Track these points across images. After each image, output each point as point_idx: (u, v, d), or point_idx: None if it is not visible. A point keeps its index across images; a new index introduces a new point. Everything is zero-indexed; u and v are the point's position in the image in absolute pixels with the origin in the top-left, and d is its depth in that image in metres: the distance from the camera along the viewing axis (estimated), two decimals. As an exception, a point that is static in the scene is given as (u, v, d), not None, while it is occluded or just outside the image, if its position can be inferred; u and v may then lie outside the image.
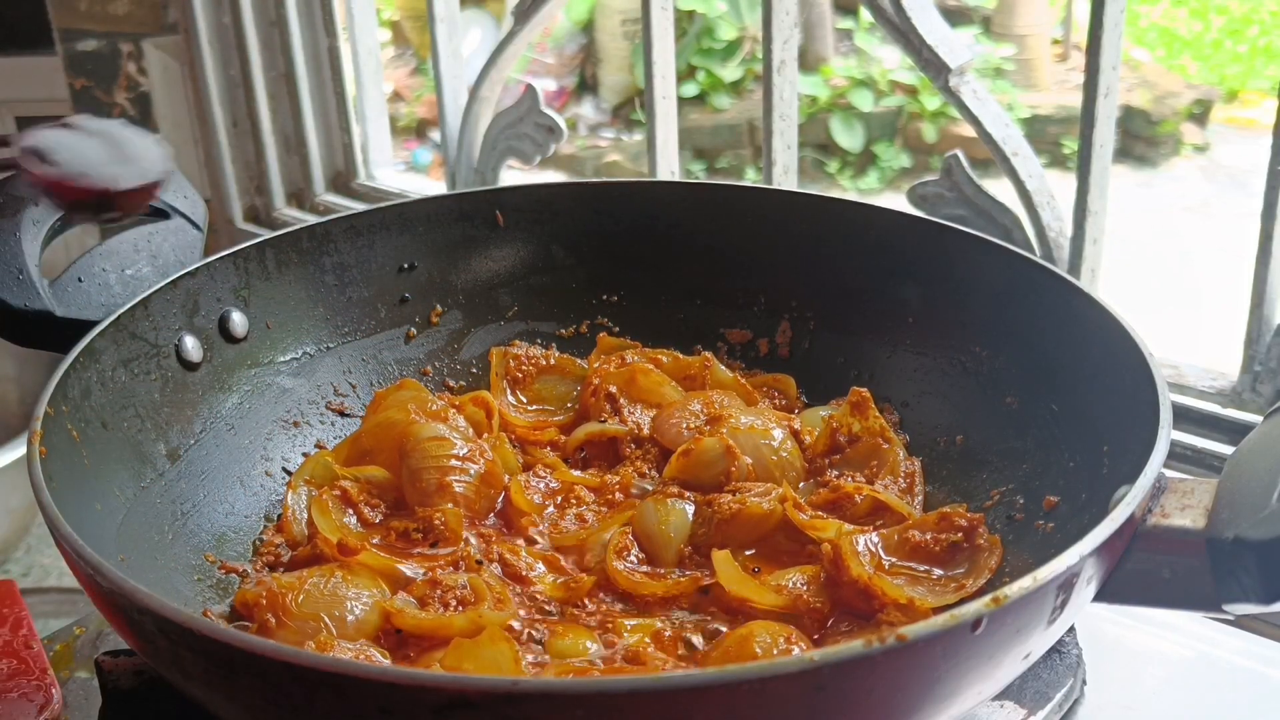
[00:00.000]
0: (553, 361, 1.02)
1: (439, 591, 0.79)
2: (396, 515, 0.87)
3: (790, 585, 0.79)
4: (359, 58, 1.70)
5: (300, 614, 0.76)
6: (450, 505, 0.86)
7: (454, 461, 0.88)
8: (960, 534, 0.80)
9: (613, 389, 0.97)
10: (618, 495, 0.90)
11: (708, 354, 1.01)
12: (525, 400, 1.01)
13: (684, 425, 0.93)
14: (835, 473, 0.90)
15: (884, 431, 0.91)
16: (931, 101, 4.34)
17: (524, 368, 1.01)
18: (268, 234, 0.99)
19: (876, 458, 0.90)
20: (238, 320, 0.95)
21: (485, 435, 0.93)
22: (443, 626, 0.75)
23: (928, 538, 0.80)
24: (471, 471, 0.88)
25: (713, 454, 0.89)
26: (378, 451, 0.91)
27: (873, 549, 0.79)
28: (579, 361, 1.03)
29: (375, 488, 0.89)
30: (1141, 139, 4.38)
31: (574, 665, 0.74)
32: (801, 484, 0.90)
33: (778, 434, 0.91)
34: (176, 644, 0.58)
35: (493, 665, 0.69)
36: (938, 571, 0.79)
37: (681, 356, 1.02)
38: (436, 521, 0.84)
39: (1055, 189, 1.13)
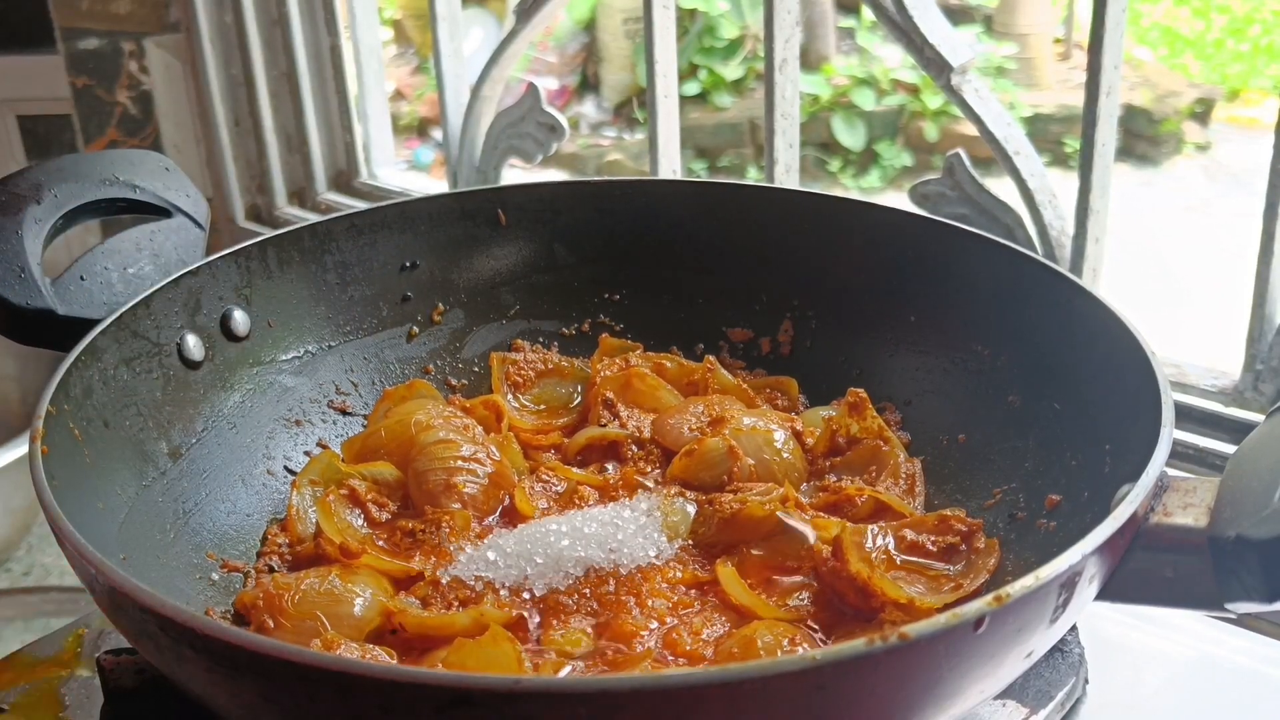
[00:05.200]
0: (551, 365, 1.02)
1: (440, 592, 0.79)
2: (404, 515, 0.87)
3: (794, 603, 0.79)
4: (361, 56, 1.70)
5: (297, 614, 0.76)
6: (457, 506, 0.86)
7: (460, 462, 0.88)
8: (959, 538, 0.80)
9: (609, 394, 0.97)
10: (621, 494, 0.90)
11: (710, 358, 1.00)
12: (528, 404, 1.01)
13: (685, 427, 0.93)
14: (834, 477, 0.90)
15: (882, 432, 0.91)
16: (933, 100, 4.34)
17: (523, 372, 1.01)
18: (269, 232, 0.99)
19: (876, 461, 0.90)
20: (239, 319, 0.95)
21: (492, 435, 0.93)
22: (446, 625, 0.75)
23: (924, 539, 0.80)
24: (480, 473, 0.88)
25: (716, 454, 0.89)
26: (390, 452, 0.91)
27: (879, 544, 0.79)
28: (578, 364, 1.03)
29: (384, 487, 0.89)
30: (1143, 138, 4.38)
31: (575, 654, 0.74)
32: (803, 485, 0.90)
33: (780, 435, 0.91)
34: (179, 643, 0.58)
35: (495, 664, 0.69)
36: (937, 566, 0.79)
37: (685, 361, 1.02)
38: (444, 523, 0.84)
39: (1057, 188, 1.13)
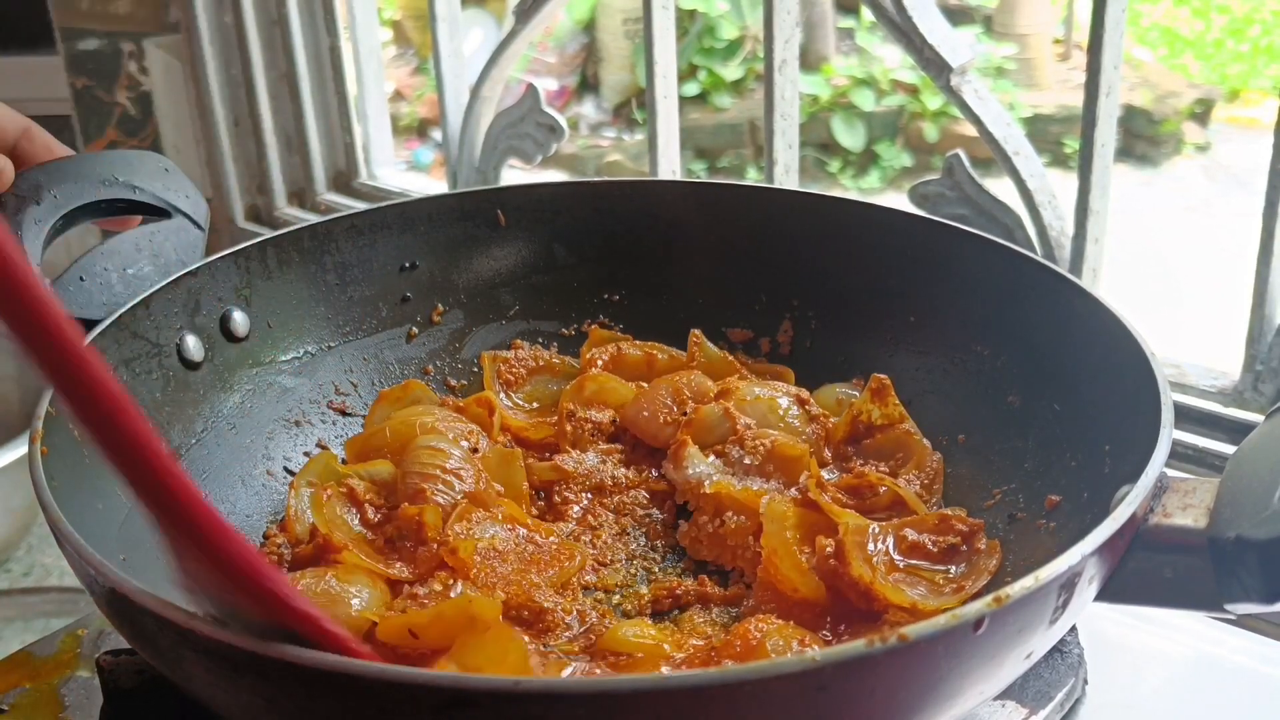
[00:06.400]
0: (542, 363, 1.02)
1: (420, 603, 0.78)
2: (394, 516, 0.87)
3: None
4: (360, 57, 1.70)
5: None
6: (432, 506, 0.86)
7: (440, 472, 0.87)
8: (959, 538, 0.80)
9: (570, 407, 0.97)
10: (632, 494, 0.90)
11: (696, 332, 1.01)
12: (520, 401, 1.01)
13: (660, 418, 0.94)
14: (860, 461, 0.90)
15: (904, 419, 0.91)
16: (933, 101, 4.33)
17: (514, 370, 1.02)
18: (269, 233, 0.99)
19: (903, 449, 0.91)
20: (239, 319, 0.95)
21: (496, 446, 0.93)
22: (436, 619, 0.73)
23: (925, 539, 0.80)
24: (456, 487, 0.86)
25: (712, 418, 0.90)
26: (393, 451, 0.91)
27: (880, 546, 0.79)
28: (569, 360, 1.03)
29: (381, 486, 0.89)
30: (1143, 138, 4.38)
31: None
32: (827, 467, 0.91)
33: (784, 401, 0.92)
34: (178, 644, 0.58)
35: (501, 660, 0.68)
36: (938, 569, 0.79)
37: (676, 352, 1.02)
38: (416, 520, 0.84)
39: (1057, 188, 1.13)
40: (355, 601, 0.77)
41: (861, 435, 0.92)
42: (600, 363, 1.00)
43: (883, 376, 0.92)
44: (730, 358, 1.00)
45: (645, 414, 0.95)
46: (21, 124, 0.91)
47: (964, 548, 0.79)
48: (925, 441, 0.91)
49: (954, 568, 0.79)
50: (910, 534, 0.80)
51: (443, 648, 0.71)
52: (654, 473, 0.93)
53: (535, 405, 1.01)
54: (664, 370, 1.00)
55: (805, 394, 0.94)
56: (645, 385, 0.98)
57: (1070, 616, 0.62)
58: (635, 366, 1.01)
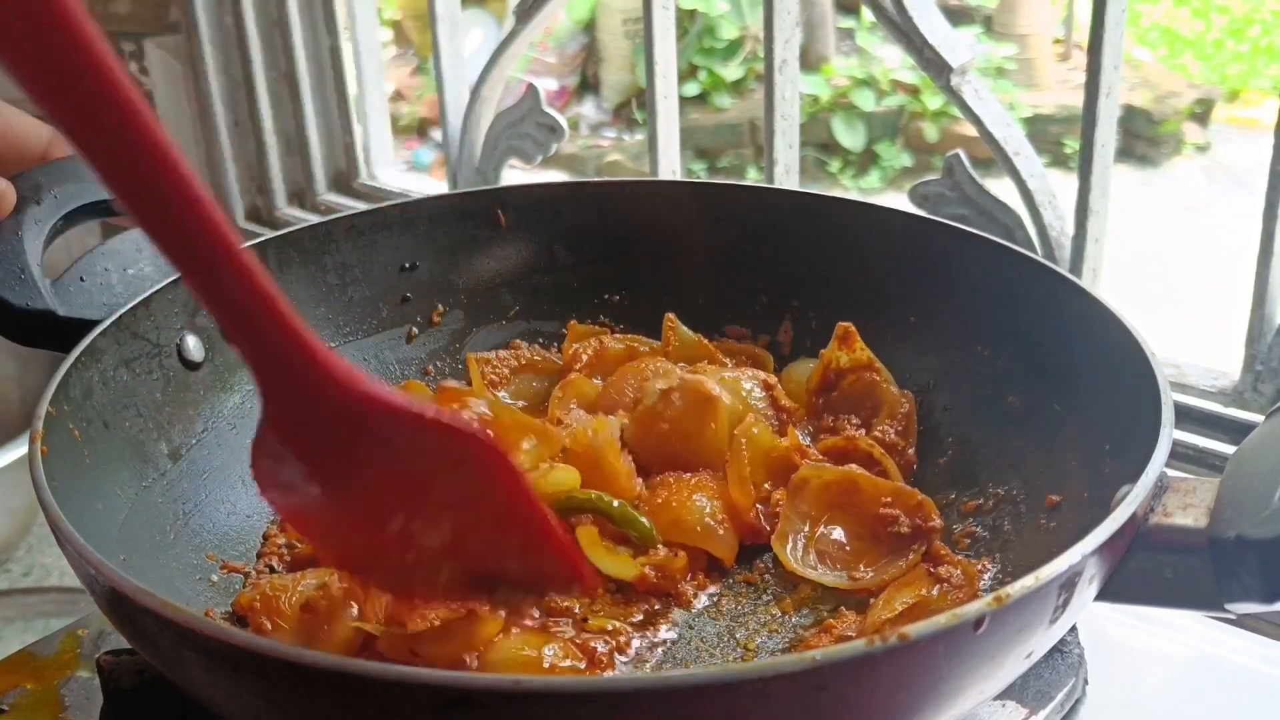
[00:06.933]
0: (524, 361, 1.02)
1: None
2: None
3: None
4: (360, 57, 1.70)
5: (294, 615, 0.76)
6: None
7: None
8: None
9: (559, 414, 0.97)
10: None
11: (671, 316, 1.00)
12: (509, 400, 1.01)
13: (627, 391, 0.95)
14: (831, 417, 0.92)
15: (871, 363, 0.93)
16: (933, 101, 4.34)
17: (498, 370, 1.01)
18: (269, 234, 0.99)
19: (871, 397, 0.92)
20: (239, 320, 0.95)
21: None
22: (440, 636, 0.73)
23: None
24: None
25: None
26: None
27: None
28: (550, 357, 1.03)
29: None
30: (1143, 138, 4.38)
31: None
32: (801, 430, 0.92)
33: (748, 384, 0.93)
34: (178, 644, 0.58)
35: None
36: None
37: (657, 344, 1.02)
38: None
39: (1057, 188, 1.13)
40: (355, 604, 0.77)
41: (831, 385, 0.93)
42: (585, 357, 1.00)
43: (847, 324, 0.94)
44: (704, 340, 1.00)
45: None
46: (48, 133, 0.90)
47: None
48: (893, 387, 0.92)
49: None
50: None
51: (445, 665, 0.71)
52: None
53: (523, 404, 1.01)
54: (647, 357, 1.00)
55: (773, 379, 0.95)
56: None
57: (1070, 616, 0.62)
58: (618, 360, 1.00)
